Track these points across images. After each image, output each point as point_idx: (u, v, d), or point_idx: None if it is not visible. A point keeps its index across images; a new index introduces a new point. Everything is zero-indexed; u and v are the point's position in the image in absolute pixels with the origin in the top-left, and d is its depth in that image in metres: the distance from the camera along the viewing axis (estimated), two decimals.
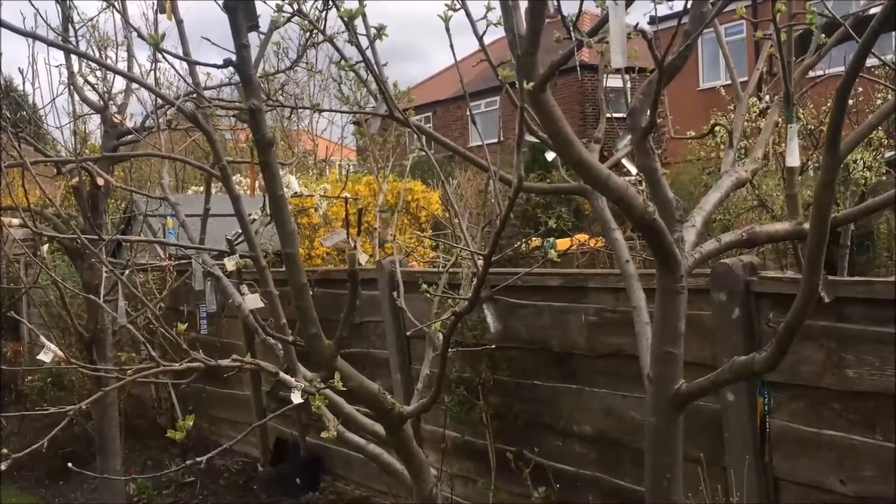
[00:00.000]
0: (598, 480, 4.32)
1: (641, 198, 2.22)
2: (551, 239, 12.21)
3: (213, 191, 5.21)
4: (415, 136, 2.77)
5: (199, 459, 2.40)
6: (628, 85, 2.93)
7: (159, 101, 4.66)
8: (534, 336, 4.61)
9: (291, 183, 4.26)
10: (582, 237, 12.28)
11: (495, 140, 25.38)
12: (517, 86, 2.36)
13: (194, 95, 2.53)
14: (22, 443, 8.74)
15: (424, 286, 3.42)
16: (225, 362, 2.44)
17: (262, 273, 2.47)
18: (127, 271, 5.39)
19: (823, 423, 3.31)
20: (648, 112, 2.40)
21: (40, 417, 9.47)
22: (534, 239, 9.34)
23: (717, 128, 6.11)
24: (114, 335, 6.16)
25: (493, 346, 4.37)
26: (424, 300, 4.96)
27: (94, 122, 7.51)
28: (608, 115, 3.45)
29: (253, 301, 2.31)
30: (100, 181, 5.72)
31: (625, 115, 2.56)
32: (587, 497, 4.30)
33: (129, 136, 6.06)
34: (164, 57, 2.13)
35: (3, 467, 2.33)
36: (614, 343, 4.20)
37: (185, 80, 2.29)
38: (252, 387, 7.61)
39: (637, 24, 2.46)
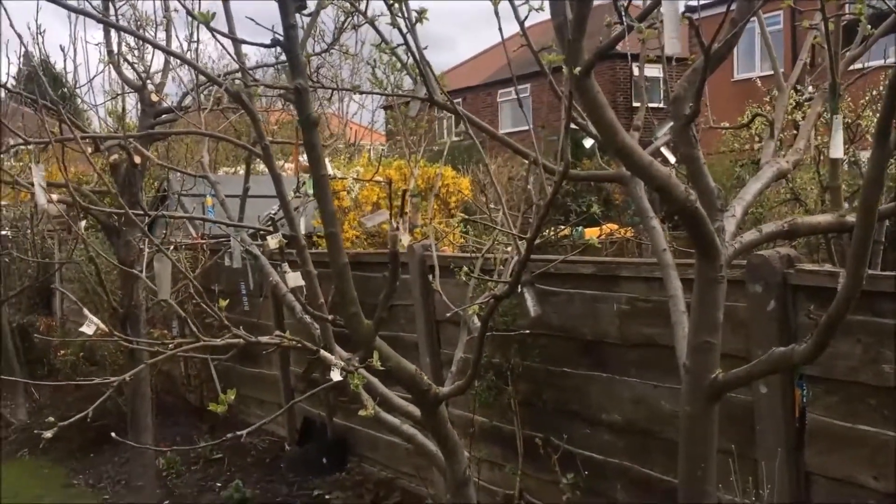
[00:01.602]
0: (627, 469, 4.32)
1: (683, 186, 2.21)
2: (580, 228, 12.17)
3: (236, 170, 5.27)
4: (448, 122, 2.78)
5: (239, 433, 2.43)
6: (664, 74, 2.91)
7: (199, 79, 4.71)
8: (564, 324, 4.61)
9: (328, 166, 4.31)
10: (611, 227, 12.23)
11: (526, 127, 25.26)
12: (557, 71, 2.36)
13: (238, 74, 2.55)
14: (55, 415, 8.88)
15: (466, 269, 3.41)
16: (265, 339, 2.47)
17: (302, 252, 2.50)
18: (171, 247, 5.45)
19: (858, 419, 3.28)
20: (692, 100, 2.38)
21: (72, 391, 9.68)
22: (562, 228, 9.31)
23: (746, 126, 6.05)
24: (147, 311, 6.25)
25: (526, 332, 4.37)
26: (456, 284, 4.97)
27: (130, 101, 7.58)
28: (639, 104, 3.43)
29: (294, 279, 2.34)
30: (137, 159, 5.80)
31: (658, 105, 2.56)
32: (615, 485, 4.31)
33: (166, 115, 6.14)
34: (213, 35, 2.16)
35: (48, 435, 2.38)
36: (646, 333, 4.19)
37: (233, 59, 2.31)
38: (280, 367, 7.69)
39: (683, 11, 2.44)
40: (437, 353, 5.52)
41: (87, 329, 2.65)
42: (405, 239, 2.06)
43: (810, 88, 3.55)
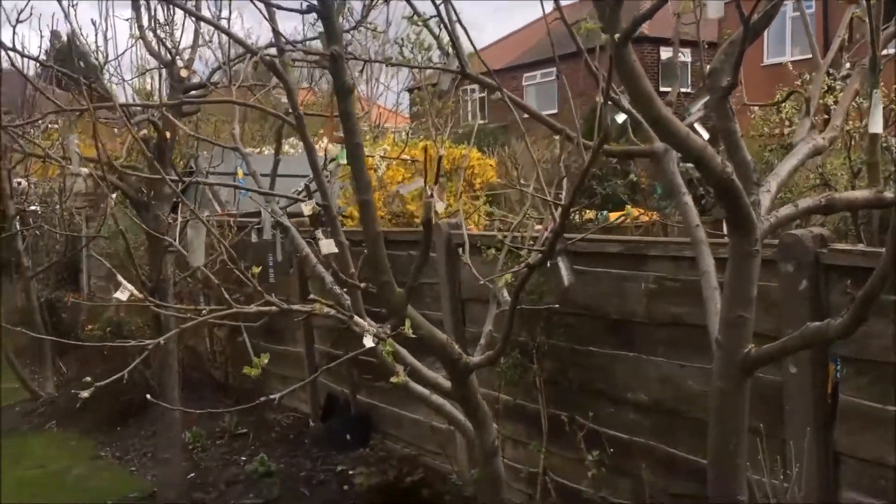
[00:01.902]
0: (652, 449, 4.31)
1: (719, 158, 2.19)
2: (605, 212, 12.10)
3: (262, 150, 5.29)
4: (473, 105, 2.75)
5: (273, 397, 2.45)
6: (699, 42, 2.88)
7: (230, 54, 4.72)
8: (591, 302, 4.60)
9: (331, 148, 4.30)
10: (637, 210, 12.13)
11: (552, 111, 25.17)
12: (589, 51, 2.34)
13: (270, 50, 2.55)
14: (81, 389, 9.04)
15: (498, 238, 3.39)
16: (298, 306, 2.48)
17: (334, 222, 2.51)
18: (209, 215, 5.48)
19: (890, 400, 3.25)
20: (729, 73, 2.35)
21: (99, 364, 9.80)
22: (587, 210, 9.26)
23: (782, 102, 5.97)
24: (174, 286, 6.31)
25: (553, 309, 4.34)
26: (483, 262, 4.97)
27: (158, 79, 7.60)
28: (667, 87, 3.39)
29: (328, 245, 2.34)
30: (166, 134, 5.84)
31: (685, 90, 2.53)
32: (640, 464, 4.30)
33: (195, 91, 6.17)
34: (253, 1, 2.15)
35: (85, 395, 2.41)
36: (673, 312, 4.17)
37: (270, 24, 2.31)
38: (305, 344, 7.74)
39: None
40: (462, 331, 5.53)
41: (121, 295, 2.68)
42: (440, 206, 2.06)
43: (847, 65, 3.50)
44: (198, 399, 8.68)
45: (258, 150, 12.66)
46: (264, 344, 8.36)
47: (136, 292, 2.72)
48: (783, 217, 2.60)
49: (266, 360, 2.24)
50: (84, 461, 7.49)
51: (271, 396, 2.40)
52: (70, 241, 11.64)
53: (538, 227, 4.04)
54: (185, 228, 6.14)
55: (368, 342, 2.33)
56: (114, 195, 5.48)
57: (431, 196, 2.06)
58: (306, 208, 2.36)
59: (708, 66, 2.47)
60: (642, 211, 12.55)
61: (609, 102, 3.05)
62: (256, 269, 2.58)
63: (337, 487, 6.10)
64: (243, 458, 6.92)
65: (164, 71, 6.05)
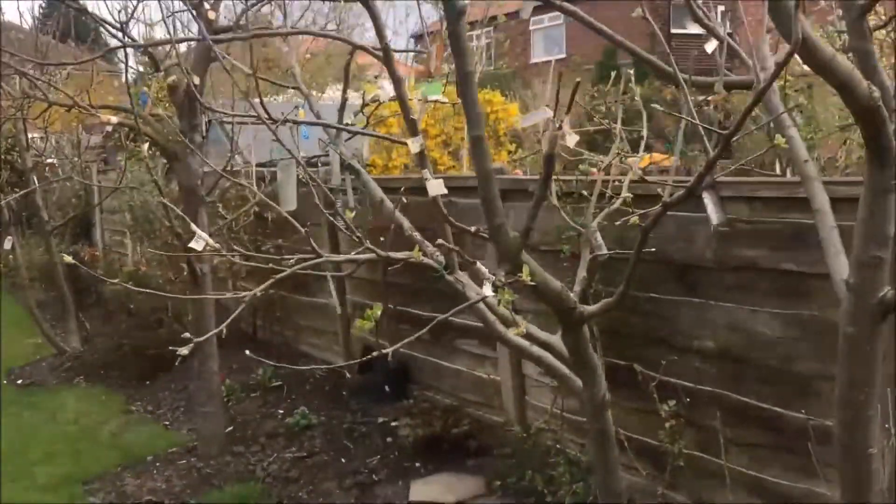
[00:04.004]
0: (720, 397, 4.18)
1: (866, 83, 1.99)
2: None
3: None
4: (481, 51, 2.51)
5: (380, 351, 2.28)
6: None
7: None
8: (652, 247, 4.40)
9: (385, 87, 4.08)
10: (658, 156, 11.87)
11: (562, 56, 24.73)
12: None
13: None
14: (110, 344, 8.95)
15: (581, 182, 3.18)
16: (400, 255, 2.32)
17: (423, 160, 2.31)
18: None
19: None
20: None
21: (125, 319, 9.68)
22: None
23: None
24: (211, 237, 6.13)
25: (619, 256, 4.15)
26: (545, 208, 4.77)
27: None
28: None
29: (436, 187, 2.16)
30: (195, 80, 5.60)
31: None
32: (706, 413, 4.18)
33: (224, 35, 5.90)
34: None
35: (185, 352, 2.25)
36: (746, 255, 4.00)
37: None
38: (337, 295, 7.59)
39: None
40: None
41: (197, 245, 2.51)
42: (571, 140, 1.87)
43: None
44: (224, 353, 8.59)
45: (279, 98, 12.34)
46: (294, 297, 8.23)
47: (211, 242, 2.55)
48: None
49: (379, 312, 2.08)
50: (116, 416, 7.41)
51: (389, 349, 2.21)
52: (86, 196, 11.45)
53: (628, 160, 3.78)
54: (213, 188, 5.96)
55: (488, 291, 2.17)
56: (145, 145, 5.26)
57: (560, 128, 1.87)
58: (413, 145, 2.17)
59: None
60: (665, 156, 12.31)
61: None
62: (351, 213, 2.40)
63: (380, 439, 6.01)
64: (280, 411, 6.84)
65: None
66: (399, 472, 5.52)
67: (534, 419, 5.51)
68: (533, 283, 2.24)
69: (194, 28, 6.27)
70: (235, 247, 2.77)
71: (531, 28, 29.37)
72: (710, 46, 2.83)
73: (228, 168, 5.45)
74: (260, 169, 6.94)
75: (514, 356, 5.53)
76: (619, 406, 4.64)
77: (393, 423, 6.15)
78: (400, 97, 2.27)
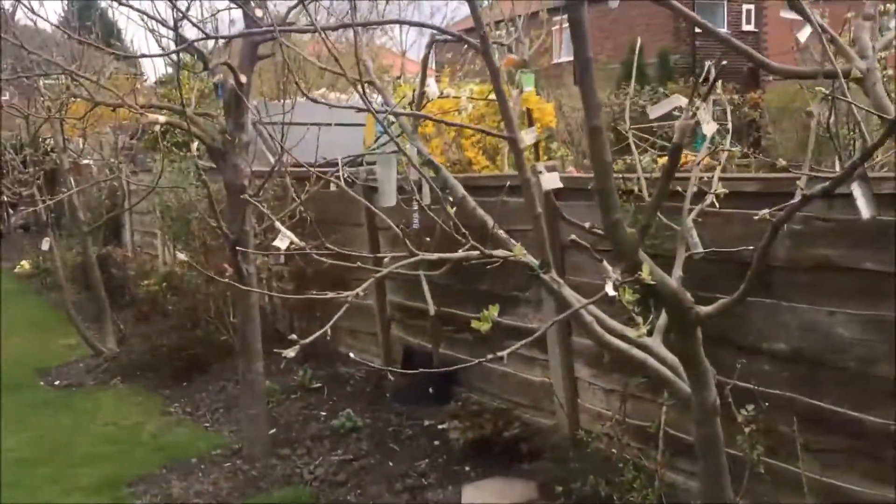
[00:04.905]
0: (792, 401, 4.04)
1: None
2: (648, 157, 11.69)
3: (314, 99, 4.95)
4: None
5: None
6: None
7: None
8: (719, 245, 4.28)
9: (432, 85, 3.98)
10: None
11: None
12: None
13: None
14: (145, 345, 8.91)
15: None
16: (500, 253, 2.22)
17: (520, 157, 2.21)
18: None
19: None
20: None
21: (160, 319, 9.64)
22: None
23: None
24: (255, 237, 6.07)
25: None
26: (589, 206, 4.68)
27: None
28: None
29: (551, 180, 2.06)
30: (242, 78, 5.54)
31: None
32: (778, 418, 4.04)
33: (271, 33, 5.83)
34: None
35: (291, 354, 2.17)
36: (821, 255, 3.87)
37: None
38: (376, 296, 7.51)
39: None
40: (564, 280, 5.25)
41: (281, 243, 2.43)
42: (709, 128, 1.75)
43: None
44: (265, 354, 8.52)
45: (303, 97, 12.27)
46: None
47: (295, 240, 2.46)
48: None
49: (496, 313, 1.97)
50: (155, 417, 7.36)
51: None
52: (123, 196, 11.44)
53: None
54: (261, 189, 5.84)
55: (610, 290, 2.06)
56: (194, 144, 5.21)
57: (693, 118, 1.77)
58: (527, 136, 2.06)
59: None
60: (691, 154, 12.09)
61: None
62: (451, 210, 2.30)
63: (427, 442, 5.92)
64: (323, 413, 6.75)
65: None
66: (449, 475, 5.42)
67: (586, 423, 5.40)
68: (652, 283, 2.13)
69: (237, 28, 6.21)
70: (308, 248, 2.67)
71: (553, 28, 29.21)
72: (804, 34, 2.72)
73: (278, 168, 5.36)
74: (304, 170, 6.85)
75: (565, 358, 5.42)
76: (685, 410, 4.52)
77: (440, 426, 6.06)
78: (497, 90, 2.17)
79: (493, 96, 5.76)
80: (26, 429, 7.12)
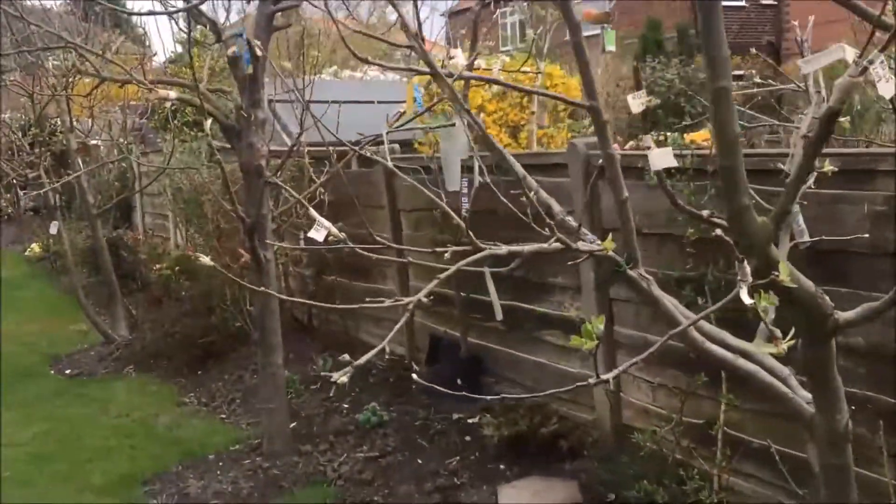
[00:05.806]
0: (868, 399, 3.66)
1: None
2: (677, 133, 11.26)
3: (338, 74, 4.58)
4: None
5: None
6: None
7: None
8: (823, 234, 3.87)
9: (458, 56, 3.61)
10: (699, 135, 11.25)
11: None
12: None
13: None
14: (159, 332, 8.58)
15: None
16: (586, 246, 1.86)
17: (603, 129, 1.84)
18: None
19: None
20: None
21: (173, 305, 9.30)
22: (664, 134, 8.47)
23: None
24: (273, 221, 5.71)
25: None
26: (646, 186, 4.30)
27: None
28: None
29: (663, 157, 1.68)
30: (258, 52, 5.16)
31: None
32: (854, 418, 3.66)
33: (286, 3, 5.46)
34: None
35: (344, 380, 1.83)
36: None
37: None
38: (398, 282, 7.15)
39: None
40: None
41: (317, 235, 2.08)
42: (636, 105, 1.37)
43: None
44: (284, 343, 8.19)
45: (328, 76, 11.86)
46: (350, 283, 7.80)
47: (334, 231, 2.10)
48: None
49: (601, 324, 1.60)
50: (169, 408, 7.06)
51: None
52: (133, 178, 11.10)
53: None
54: (280, 168, 5.46)
55: (744, 296, 1.70)
56: (208, 122, 4.83)
57: (862, 73, 1.40)
58: (635, 104, 1.70)
59: None
60: (702, 133, 11.66)
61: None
62: (532, 194, 1.92)
63: (458, 438, 5.57)
64: (345, 406, 6.42)
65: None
66: (483, 474, 5.07)
67: (630, 419, 5.05)
68: (792, 286, 1.76)
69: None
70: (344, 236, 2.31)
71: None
72: None
73: (296, 147, 4.98)
74: (321, 149, 6.47)
75: (608, 350, 5.05)
76: (756, 413, 4.14)
77: (470, 420, 5.72)
78: (577, 47, 1.79)
79: (527, 68, 5.30)
80: (38, 421, 6.84)
